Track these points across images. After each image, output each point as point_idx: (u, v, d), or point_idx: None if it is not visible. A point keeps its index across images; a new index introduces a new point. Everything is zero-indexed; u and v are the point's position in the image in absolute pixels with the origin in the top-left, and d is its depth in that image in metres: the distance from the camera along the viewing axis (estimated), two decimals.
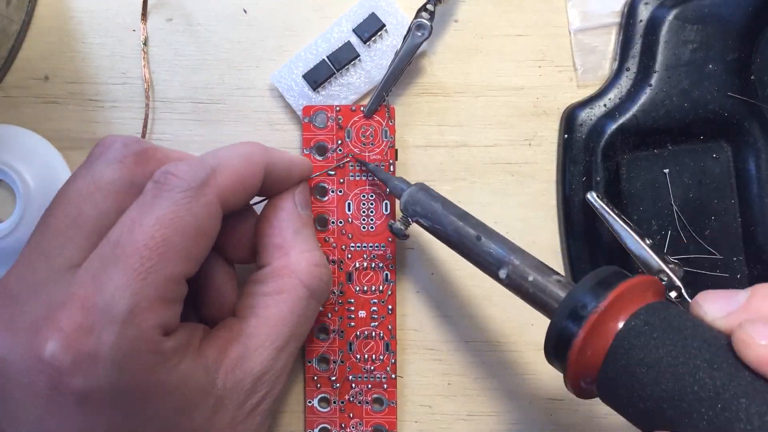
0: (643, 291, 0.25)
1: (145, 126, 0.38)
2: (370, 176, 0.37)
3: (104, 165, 0.29)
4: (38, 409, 0.26)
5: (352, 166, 0.37)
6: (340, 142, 0.37)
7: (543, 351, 0.27)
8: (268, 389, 0.31)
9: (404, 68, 0.37)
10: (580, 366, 0.25)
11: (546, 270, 0.29)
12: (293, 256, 0.32)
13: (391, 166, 0.37)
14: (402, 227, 0.34)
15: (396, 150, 0.37)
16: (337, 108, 0.37)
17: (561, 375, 0.26)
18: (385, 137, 0.37)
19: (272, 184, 0.32)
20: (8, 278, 0.28)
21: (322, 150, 0.37)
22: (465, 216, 0.32)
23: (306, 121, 0.37)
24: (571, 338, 0.25)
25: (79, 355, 0.25)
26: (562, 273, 0.38)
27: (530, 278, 0.29)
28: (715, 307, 0.24)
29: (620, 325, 0.24)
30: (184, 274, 0.28)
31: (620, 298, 0.25)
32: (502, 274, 0.30)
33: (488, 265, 0.30)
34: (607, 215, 0.33)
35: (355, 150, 0.37)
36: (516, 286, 0.29)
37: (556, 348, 0.26)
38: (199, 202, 0.28)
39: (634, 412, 0.24)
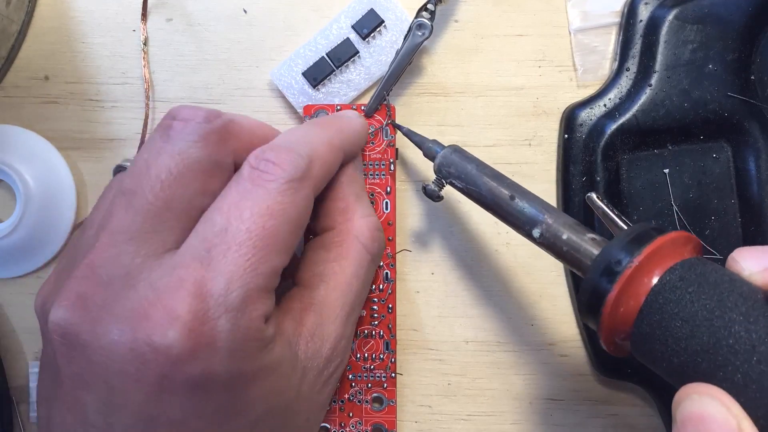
0: (680, 246, 0.25)
1: (145, 126, 0.38)
2: (371, 175, 0.37)
3: (189, 143, 0.28)
4: (143, 396, 0.25)
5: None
6: None
7: (577, 307, 0.27)
8: (341, 356, 0.31)
9: (405, 68, 0.37)
10: (614, 322, 0.25)
11: (580, 229, 0.29)
12: (356, 220, 0.32)
13: (391, 165, 0.37)
14: (436, 189, 0.33)
15: (396, 149, 0.37)
16: (338, 107, 0.37)
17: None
18: (386, 136, 0.37)
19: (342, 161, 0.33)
20: (93, 263, 0.26)
21: None
22: (499, 176, 0.32)
23: (307, 120, 0.37)
24: (604, 294, 0.25)
25: (197, 345, 0.25)
26: (562, 273, 0.38)
27: (564, 237, 0.29)
28: (753, 262, 0.24)
29: (655, 280, 0.24)
30: (285, 265, 0.28)
31: (655, 254, 0.24)
32: (536, 233, 0.30)
33: (522, 225, 0.31)
34: (607, 215, 0.33)
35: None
36: (550, 244, 0.30)
37: (590, 305, 0.26)
38: (300, 195, 0.28)
39: (668, 366, 0.24)
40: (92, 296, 0.26)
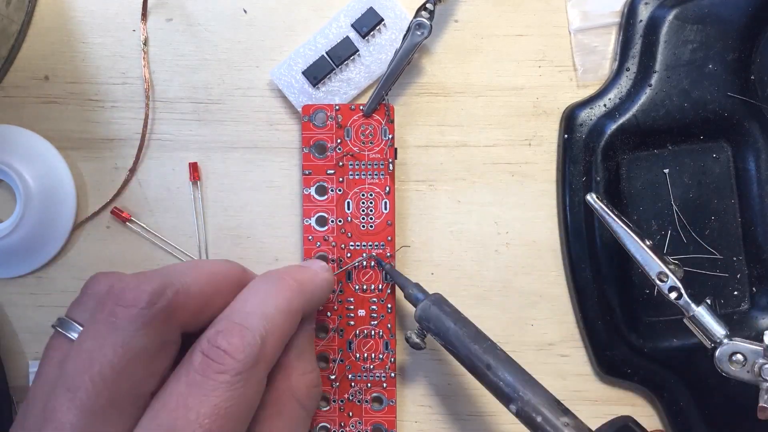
0: None
1: (145, 126, 0.38)
2: (370, 175, 0.37)
3: (133, 332, 0.27)
4: None
5: (352, 175, 0.37)
6: (339, 140, 0.37)
7: None
8: None
9: (404, 67, 0.37)
10: None
11: (556, 411, 0.30)
12: (294, 378, 0.31)
13: (390, 165, 0.37)
14: (418, 341, 0.34)
15: (395, 149, 0.37)
16: (337, 107, 0.37)
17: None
18: (385, 136, 0.37)
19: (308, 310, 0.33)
20: None
21: (321, 149, 0.37)
22: (477, 338, 0.32)
23: (305, 120, 0.37)
24: None
25: None
26: (562, 273, 0.38)
27: (539, 419, 0.30)
28: None
29: None
30: None
31: None
32: (512, 408, 0.31)
33: (499, 396, 0.31)
34: (606, 216, 0.33)
35: (355, 149, 0.37)
36: (525, 422, 0.30)
37: None
38: (252, 382, 0.27)
39: None
40: None
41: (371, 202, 0.37)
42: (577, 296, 0.38)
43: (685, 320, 0.32)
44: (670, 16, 0.36)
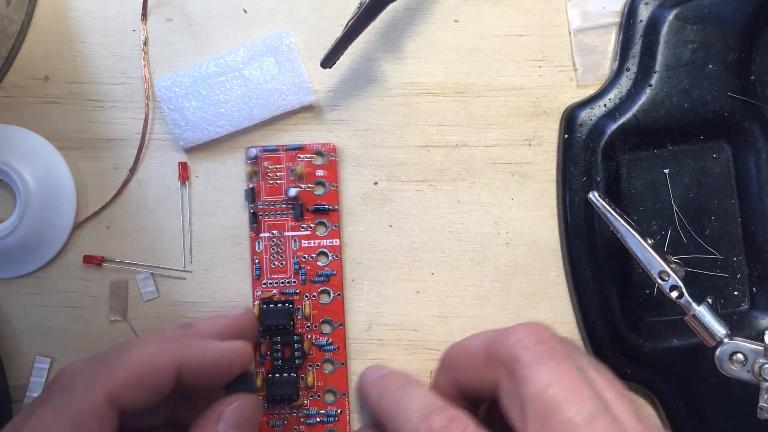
0: None
1: (145, 126, 0.38)
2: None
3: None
4: None
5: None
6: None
7: None
8: None
9: (367, 23, 0.35)
10: None
11: None
12: None
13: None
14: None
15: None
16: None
17: None
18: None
19: (196, 382, 0.30)
20: None
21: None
22: None
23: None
24: None
25: None
26: (562, 273, 0.38)
27: None
28: None
29: None
30: None
31: None
32: None
33: None
34: (608, 215, 0.33)
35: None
36: None
37: None
38: (80, 406, 0.27)
39: None
40: None
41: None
42: (577, 296, 0.38)
43: (685, 319, 0.32)
44: (670, 16, 0.36)
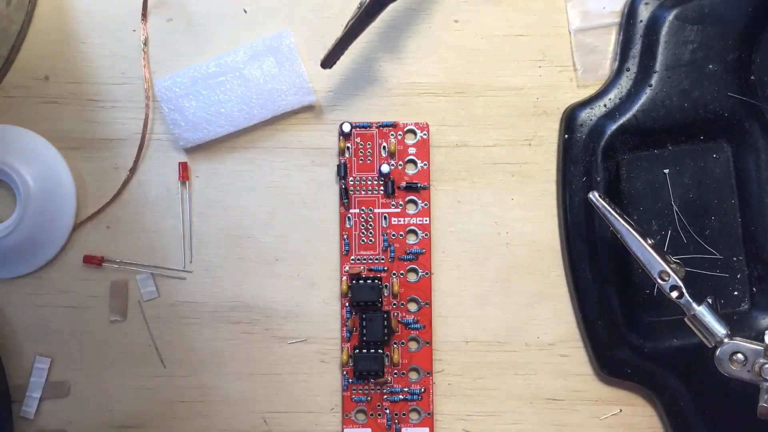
0: None
1: (145, 126, 0.38)
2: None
3: None
4: None
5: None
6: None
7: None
8: None
9: (367, 23, 0.35)
10: None
11: None
12: None
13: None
14: None
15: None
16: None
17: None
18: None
19: None
20: None
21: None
22: None
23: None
24: None
25: None
26: (562, 273, 0.38)
27: None
28: None
29: None
30: None
31: None
32: None
33: None
34: (608, 215, 0.33)
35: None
36: None
37: None
38: None
39: None
40: None
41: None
42: (577, 296, 0.37)
43: (686, 319, 0.32)
44: (670, 16, 0.36)
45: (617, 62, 0.38)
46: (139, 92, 0.39)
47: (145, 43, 0.39)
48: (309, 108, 0.38)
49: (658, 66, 0.36)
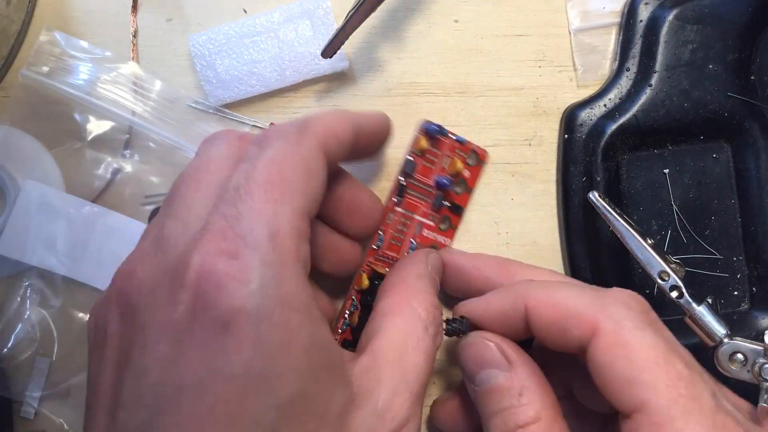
0: None
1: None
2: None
3: (214, 148, 0.30)
4: (174, 338, 0.25)
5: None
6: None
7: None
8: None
9: (368, 14, 0.36)
10: None
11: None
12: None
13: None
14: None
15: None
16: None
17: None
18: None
19: (365, 142, 0.33)
20: (146, 237, 0.29)
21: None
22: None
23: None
24: None
25: (223, 277, 0.24)
26: (562, 272, 0.38)
27: None
28: None
29: None
30: (306, 209, 0.27)
31: None
32: None
33: None
34: (608, 215, 0.33)
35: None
36: None
37: None
38: (302, 146, 0.28)
39: None
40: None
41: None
42: None
43: (685, 320, 0.32)
44: (670, 16, 0.36)
45: (617, 62, 0.38)
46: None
47: (134, 35, 0.38)
48: (340, 74, 0.38)
49: (658, 66, 0.36)
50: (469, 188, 0.38)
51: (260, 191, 0.26)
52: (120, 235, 0.38)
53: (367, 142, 0.33)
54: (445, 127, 0.37)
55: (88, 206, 0.38)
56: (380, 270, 0.36)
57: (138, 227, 0.38)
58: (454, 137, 0.37)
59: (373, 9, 0.35)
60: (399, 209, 0.36)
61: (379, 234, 0.36)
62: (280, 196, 0.26)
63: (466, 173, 0.37)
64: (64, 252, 0.37)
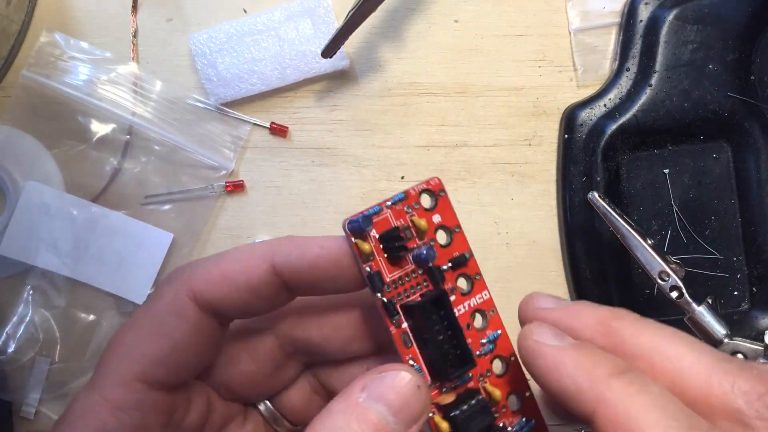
0: None
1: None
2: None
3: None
4: None
5: None
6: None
7: None
8: None
9: (368, 14, 0.35)
10: None
11: None
12: None
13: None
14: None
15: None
16: (388, 203, 0.25)
17: None
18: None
19: (302, 281, 0.26)
20: None
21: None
22: None
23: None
24: None
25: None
26: (562, 273, 0.38)
27: None
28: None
29: None
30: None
31: None
32: None
33: None
34: (608, 215, 0.33)
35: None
36: None
37: None
38: (164, 300, 0.26)
39: None
40: None
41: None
42: (577, 297, 0.37)
43: (686, 320, 0.32)
44: (670, 16, 0.36)
45: (617, 62, 0.38)
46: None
47: (134, 35, 0.38)
48: (340, 74, 0.38)
49: (658, 66, 0.36)
50: (452, 227, 0.26)
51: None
52: (122, 234, 0.38)
53: (310, 279, 0.25)
54: (371, 201, 0.26)
55: (89, 206, 0.38)
56: (449, 399, 0.25)
57: (138, 226, 0.38)
58: (387, 205, 0.25)
59: (373, 9, 0.35)
60: (406, 326, 0.25)
61: (416, 366, 0.25)
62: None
63: (437, 218, 0.26)
64: (66, 252, 0.37)
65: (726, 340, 0.31)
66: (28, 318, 0.38)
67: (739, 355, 0.31)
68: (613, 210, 0.33)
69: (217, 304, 0.25)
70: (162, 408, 0.25)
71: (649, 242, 0.33)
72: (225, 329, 0.27)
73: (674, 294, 0.32)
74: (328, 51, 0.36)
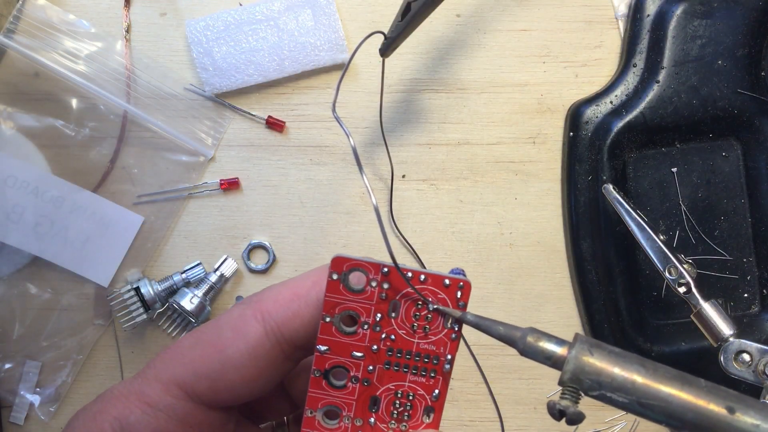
0: None
1: (124, 120, 0.37)
2: (414, 370, 0.25)
3: None
4: None
5: (388, 366, 0.24)
6: (380, 317, 0.24)
7: None
8: None
9: (433, 8, 0.33)
10: None
11: None
12: None
13: (447, 365, 0.24)
14: (572, 404, 0.22)
15: (461, 339, 0.25)
16: (385, 269, 0.23)
17: None
18: (448, 324, 0.24)
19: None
20: None
21: (350, 322, 0.24)
22: (683, 379, 0.22)
23: (335, 278, 0.23)
24: None
25: None
26: (567, 274, 0.37)
27: None
28: None
29: None
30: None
31: None
32: None
33: None
34: (621, 208, 0.32)
35: (400, 332, 0.24)
36: None
37: None
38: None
39: None
40: None
41: (408, 407, 0.25)
42: (583, 298, 0.37)
43: (692, 316, 0.31)
44: (678, 11, 0.35)
45: (624, 58, 0.37)
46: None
47: (127, 30, 0.38)
48: (339, 67, 0.37)
49: (665, 62, 0.36)
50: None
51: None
52: (90, 213, 0.37)
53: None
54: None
55: (58, 182, 0.37)
56: None
57: (108, 206, 0.37)
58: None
59: (435, 5, 0.33)
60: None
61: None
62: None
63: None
64: (30, 227, 0.36)
65: (732, 339, 0.30)
66: (17, 318, 0.37)
67: (745, 355, 0.30)
68: (627, 203, 0.33)
69: (285, 325, 0.24)
70: (191, 422, 0.24)
71: (661, 238, 0.32)
72: (289, 364, 0.25)
73: (682, 289, 0.31)
74: (388, 50, 0.33)
